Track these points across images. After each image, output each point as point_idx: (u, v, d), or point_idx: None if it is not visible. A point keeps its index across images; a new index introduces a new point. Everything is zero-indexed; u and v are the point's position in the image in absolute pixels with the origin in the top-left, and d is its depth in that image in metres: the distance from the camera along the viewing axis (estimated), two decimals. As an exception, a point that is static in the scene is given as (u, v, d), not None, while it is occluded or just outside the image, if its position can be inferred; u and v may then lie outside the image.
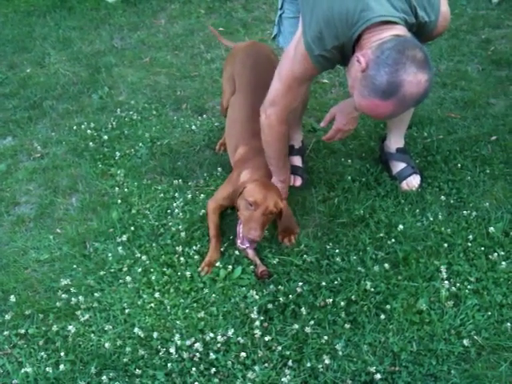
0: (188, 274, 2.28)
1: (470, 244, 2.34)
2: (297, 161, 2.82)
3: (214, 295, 2.20)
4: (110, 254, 2.41)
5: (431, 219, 2.48)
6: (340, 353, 1.97)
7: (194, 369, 1.95)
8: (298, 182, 2.73)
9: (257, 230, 2.22)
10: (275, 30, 2.55)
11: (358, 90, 1.90)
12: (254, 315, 2.10)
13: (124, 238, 2.48)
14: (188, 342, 2.03)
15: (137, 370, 1.95)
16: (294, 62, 2.08)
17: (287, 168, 2.49)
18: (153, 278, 2.28)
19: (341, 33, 1.92)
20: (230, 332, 2.05)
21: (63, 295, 2.25)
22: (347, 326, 2.06)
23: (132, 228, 2.54)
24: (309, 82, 2.21)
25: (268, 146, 2.36)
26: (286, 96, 2.17)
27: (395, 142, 2.77)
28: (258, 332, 2.04)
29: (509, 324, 2.03)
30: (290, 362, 1.95)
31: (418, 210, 2.53)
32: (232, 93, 2.77)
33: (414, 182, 2.69)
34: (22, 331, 2.12)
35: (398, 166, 2.73)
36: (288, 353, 1.99)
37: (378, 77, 1.79)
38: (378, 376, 1.89)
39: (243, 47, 2.90)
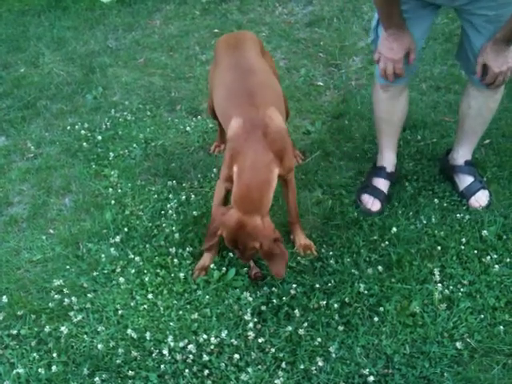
0: (181, 275, 2.28)
1: (463, 247, 2.35)
2: (384, 185, 2.65)
3: (207, 297, 2.20)
4: (103, 255, 2.41)
5: (425, 222, 2.49)
6: (333, 355, 1.98)
7: (187, 370, 1.94)
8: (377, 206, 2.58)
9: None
10: (372, 34, 2.42)
11: None
12: (247, 317, 2.10)
13: (117, 238, 2.47)
14: (181, 344, 2.02)
15: (129, 372, 1.95)
16: None
17: (398, 20, 2.20)
18: (146, 279, 2.28)
19: None
20: (224, 334, 2.04)
21: (56, 296, 2.24)
22: (340, 328, 2.06)
23: (125, 229, 2.54)
24: None
25: None
26: None
27: (464, 154, 2.65)
28: (251, 334, 2.04)
29: (501, 327, 2.04)
30: (283, 364, 1.95)
31: (411, 213, 2.54)
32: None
33: (483, 197, 2.56)
34: (14, 332, 2.11)
35: (466, 181, 2.61)
36: (281, 355, 1.99)
37: None
38: (371, 378, 1.89)
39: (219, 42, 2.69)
